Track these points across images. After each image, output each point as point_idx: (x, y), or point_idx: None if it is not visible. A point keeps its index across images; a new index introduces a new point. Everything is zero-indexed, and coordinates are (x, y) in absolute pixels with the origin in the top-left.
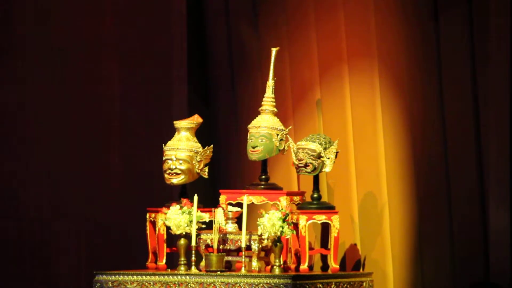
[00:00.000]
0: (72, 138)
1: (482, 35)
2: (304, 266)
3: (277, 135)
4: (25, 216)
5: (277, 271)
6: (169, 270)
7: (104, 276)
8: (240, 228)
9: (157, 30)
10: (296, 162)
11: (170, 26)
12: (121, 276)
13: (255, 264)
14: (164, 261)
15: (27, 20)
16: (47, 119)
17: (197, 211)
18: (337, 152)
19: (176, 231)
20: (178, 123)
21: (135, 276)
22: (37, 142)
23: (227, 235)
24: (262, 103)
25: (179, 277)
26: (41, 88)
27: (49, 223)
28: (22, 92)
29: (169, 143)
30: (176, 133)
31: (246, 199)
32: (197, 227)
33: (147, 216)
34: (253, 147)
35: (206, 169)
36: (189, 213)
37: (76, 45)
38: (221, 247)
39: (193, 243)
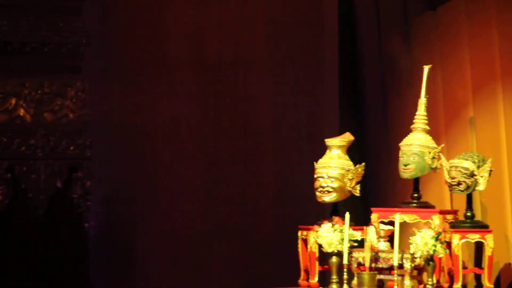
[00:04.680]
0: (223, 154)
1: None
2: (457, 286)
3: (429, 153)
4: (180, 231)
5: None
6: None
7: None
8: (392, 246)
9: (309, 48)
10: (449, 181)
11: (322, 45)
12: None
13: (407, 283)
14: (316, 278)
15: (181, 36)
16: (200, 135)
17: (349, 229)
18: (490, 171)
19: (328, 249)
20: (329, 141)
21: None
22: (190, 158)
23: (379, 253)
24: (414, 120)
25: None
26: (194, 104)
27: (205, 241)
28: (175, 108)
29: (320, 161)
30: (328, 151)
31: (398, 218)
32: (349, 245)
33: (299, 234)
34: (405, 165)
35: (358, 187)
36: (341, 231)
37: (226, 61)
38: (373, 265)
39: (345, 261)
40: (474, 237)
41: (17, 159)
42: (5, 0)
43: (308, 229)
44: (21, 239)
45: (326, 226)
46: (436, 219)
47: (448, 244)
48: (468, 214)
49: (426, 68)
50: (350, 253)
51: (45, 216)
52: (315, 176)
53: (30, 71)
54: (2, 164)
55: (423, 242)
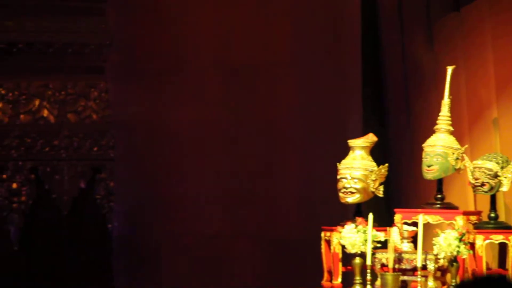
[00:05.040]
0: (247, 156)
1: None
2: None
3: (453, 154)
4: (203, 232)
5: None
6: None
7: None
8: (415, 247)
9: (332, 51)
10: (473, 181)
11: (345, 46)
12: None
13: (431, 284)
14: (340, 280)
15: (205, 38)
16: (224, 137)
17: (372, 230)
18: None
19: (351, 250)
20: (352, 142)
21: None
22: (214, 162)
23: (403, 255)
24: (438, 121)
25: None
26: (218, 106)
27: (228, 241)
28: (199, 109)
29: (343, 162)
30: (351, 151)
31: (421, 219)
32: (372, 246)
33: (322, 234)
34: (428, 166)
35: (381, 187)
36: (364, 232)
37: (250, 64)
38: (396, 266)
39: (368, 262)
40: (498, 238)
41: (41, 160)
42: (29, 1)
43: (332, 230)
44: (45, 240)
45: (349, 227)
46: (459, 220)
47: (472, 245)
48: (492, 215)
49: (449, 69)
50: (373, 254)
51: (69, 217)
52: (338, 177)
53: (54, 72)
54: (25, 165)
55: (446, 243)
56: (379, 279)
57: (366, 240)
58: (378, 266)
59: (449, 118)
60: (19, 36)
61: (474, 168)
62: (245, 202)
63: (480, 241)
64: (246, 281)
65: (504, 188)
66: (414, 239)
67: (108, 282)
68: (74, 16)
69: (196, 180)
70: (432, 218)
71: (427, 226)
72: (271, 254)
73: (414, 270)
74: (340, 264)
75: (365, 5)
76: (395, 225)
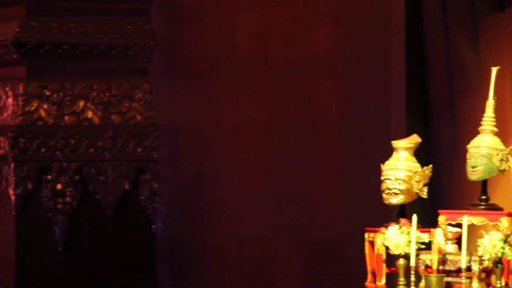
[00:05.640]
0: (290, 158)
1: None
2: None
3: (497, 155)
4: (246, 233)
5: None
6: None
7: None
8: (460, 248)
9: (375, 49)
10: None
11: (389, 45)
12: None
13: (475, 285)
14: (384, 281)
15: (248, 38)
16: (266, 138)
17: (416, 231)
18: None
19: (395, 251)
20: (396, 143)
21: None
22: (255, 163)
23: (447, 256)
24: (482, 122)
25: None
26: (261, 107)
27: (270, 242)
28: (242, 110)
29: (387, 162)
30: (395, 153)
31: (466, 220)
32: (416, 247)
33: (366, 236)
34: (473, 167)
35: (425, 189)
36: (408, 233)
37: (293, 63)
38: (440, 267)
39: (412, 263)
40: None
41: (85, 161)
42: (73, 3)
43: (375, 231)
44: (89, 241)
45: (393, 228)
46: (504, 222)
47: None
48: None
49: (494, 70)
50: (417, 255)
51: (113, 217)
52: (382, 178)
53: (98, 73)
54: (70, 166)
55: (491, 244)
56: (423, 281)
57: (410, 241)
58: (422, 268)
59: (494, 119)
60: (64, 37)
61: None
62: (287, 203)
63: None
64: (288, 282)
65: None
66: (458, 241)
67: (152, 283)
68: (118, 18)
69: (238, 180)
70: (476, 219)
71: (471, 227)
72: (314, 255)
73: (458, 271)
74: (384, 265)
75: (409, 4)
76: (439, 226)
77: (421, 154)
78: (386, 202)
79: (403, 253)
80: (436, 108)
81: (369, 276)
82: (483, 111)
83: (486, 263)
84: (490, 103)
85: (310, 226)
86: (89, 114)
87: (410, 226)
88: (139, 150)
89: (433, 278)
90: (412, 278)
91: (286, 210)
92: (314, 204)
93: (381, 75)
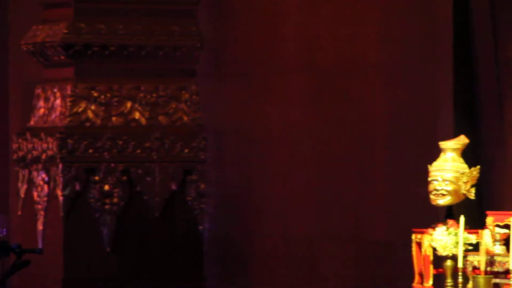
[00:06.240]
0: (336, 158)
1: None
2: None
3: None
4: (293, 233)
5: None
6: None
7: None
8: (508, 250)
9: (423, 49)
10: None
11: (436, 46)
12: None
13: None
14: (431, 282)
15: (295, 39)
16: (313, 139)
17: (464, 232)
18: None
19: (442, 252)
20: (444, 144)
21: None
22: (303, 163)
23: (495, 257)
24: None
25: None
26: (307, 108)
27: (316, 243)
28: (289, 111)
29: (434, 163)
30: (442, 153)
31: None
32: (464, 248)
33: (413, 237)
34: None
35: (473, 190)
36: (456, 234)
37: (340, 64)
38: (488, 269)
39: (460, 264)
40: None
41: (133, 162)
42: (121, 4)
43: (422, 232)
44: (136, 241)
45: (440, 229)
46: None
47: None
48: None
49: None
50: (465, 256)
51: (160, 218)
52: (429, 179)
53: (145, 74)
54: (118, 167)
55: None
56: (470, 282)
57: (457, 243)
58: (469, 269)
59: None
60: (111, 39)
61: None
62: (334, 203)
63: None
64: (335, 282)
65: None
66: (506, 242)
67: (200, 283)
68: (165, 19)
69: (284, 181)
70: None
71: None
72: (361, 256)
73: (506, 273)
74: (431, 266)
75: (457, 6)
76: (487, 228)
77: (468, 155)
78: (434, 203)
79: (450, 254)
80: (484, 109)
81: (416, 277)
82: None
83: None
84: None
85: (357, 226)
86: (137, 115)
87: (458, 227)
88: (186, 151)
89: (481, 279)
90: (460, 280)
91: (333, 211)
92: (361, 205)
93: (428, 76)
